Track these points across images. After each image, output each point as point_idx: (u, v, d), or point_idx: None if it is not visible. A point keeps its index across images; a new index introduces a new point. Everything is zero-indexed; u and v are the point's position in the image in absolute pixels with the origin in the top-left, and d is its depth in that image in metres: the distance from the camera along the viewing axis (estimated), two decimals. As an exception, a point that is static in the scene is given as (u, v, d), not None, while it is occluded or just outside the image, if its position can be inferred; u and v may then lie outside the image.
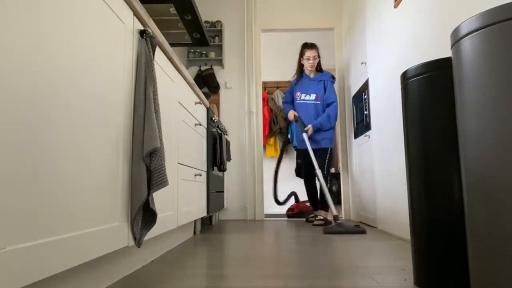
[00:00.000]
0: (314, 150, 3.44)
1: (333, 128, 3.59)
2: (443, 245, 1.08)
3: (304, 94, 3.68)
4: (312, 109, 3.62)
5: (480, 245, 0.83)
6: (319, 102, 3.61)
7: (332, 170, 7.52)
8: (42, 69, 0.78)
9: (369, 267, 1.45)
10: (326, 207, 3.43)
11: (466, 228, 0.90)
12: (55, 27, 0.83)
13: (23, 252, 0.71)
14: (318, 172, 3.29)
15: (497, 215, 0.77)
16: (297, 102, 3.70)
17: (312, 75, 3.71)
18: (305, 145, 3.48)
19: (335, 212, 2.95)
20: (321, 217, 3.34)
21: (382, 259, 1.62)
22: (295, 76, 3.83)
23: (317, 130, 3.51)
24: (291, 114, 3.68)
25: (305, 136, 3.43)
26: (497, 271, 0.77)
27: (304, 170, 3.66)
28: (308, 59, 3.66)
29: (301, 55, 3.71)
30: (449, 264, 1.06)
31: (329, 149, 3.53)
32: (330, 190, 3.29)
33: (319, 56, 3.69)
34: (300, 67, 3.76)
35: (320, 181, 3.29)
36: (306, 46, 3.69)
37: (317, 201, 3.58)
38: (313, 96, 3.65)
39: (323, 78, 3.65)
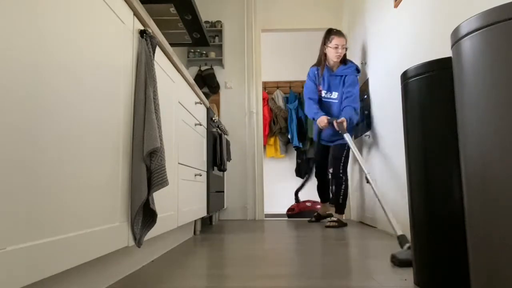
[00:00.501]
0: (334, 145, 3.21)
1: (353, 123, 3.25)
2: (443, 245, 1.08)
3: (325, 92, 3.24)
4: (336, 108, 3.20)
5: (480, 245, 0.83)
6: (337, 101, 3.22)
7: (331, 170, 7.54)
8: (41, 69, 0.78)
9: (369, 266, 1.45)
10: (341, 210, 3.22)
11: (466, 228, 0.90)
12: (54, 27, 0.83)
13: (23, 252, 0.71)
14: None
15: (497, 215, 0.77)
16: (322, 98, 3.27)
17: (334, 69, 3.23)
18: (324, 140, 3.27)
19: (399, 232, 1.87)
20: (335, 219, 3.10)
21: (382, 259, 1.62)
22: (316, 67, 3.30)
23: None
24: (324, 120, 3.06)
25: (347, 137, 2.87)
26: (497, 271, 0.77)
27: (317, 163, 3.42)
28: (336, 47, 3.12)
29: (325, 42, 3.19)
30: (449, 264, 1.06)
31: (346, 146, 3.15)
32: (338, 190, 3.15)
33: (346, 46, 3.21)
34: (323, 57, 3.23)
35: (336, 181, 3.17)
36: (333, 32, 3.17)
37: (327, 194, 3.45)
38: (335, 95, 3.20)
39: (345, 73, 3.16)
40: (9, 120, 0.69)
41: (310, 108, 3.23)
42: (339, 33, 3.17)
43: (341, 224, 3.08)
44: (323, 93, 3.25)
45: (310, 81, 3.31)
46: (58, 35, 0.84)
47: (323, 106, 3.25)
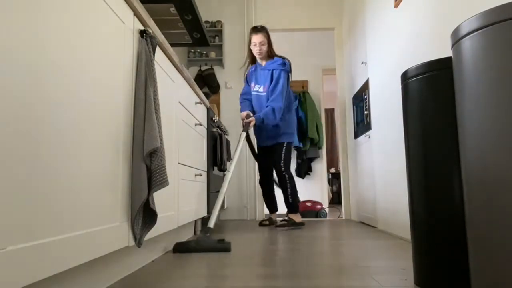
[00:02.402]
0: (270, 147, 3.20)
1: (285, 122, 3.18)
2: (443, 245, 1.08)
3: (258, 85, 3.27)
4: (264, 102, 3.20)
5: (480, 245, 0.83)
6: (264, 94, 3.21)
7: (333, 170, 7.52)
8: (41, 69, 0.78)
9: (369, 266, 1.45)
10: (293, 209, 3.11)
11: (466, 228, 0.90)
12: (54, 27, 0.83)
13: (23, 252, 0.71)
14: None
15: (497, 215, 0.77)
16: (252, 93, 3.33)
17: (263, 63, 3.28)
18: (265, 141, 3.25)
19: (211, 224, 2.19)
20: (286, 218, 3.08)
21: (382, 259, 1.62)
22: (247, 63, 3.43)
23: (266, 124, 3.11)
24: (242, 115, 3.16)
25: (243, 135, 2.95)
26: (497, 271, 0.77)
27: (259, 167, 3.42)
28: (255, 45, 3.21)
29: (249, 40, 3.27)
30: (449, 264, 1.06)
31: (285, 144, 3.16)
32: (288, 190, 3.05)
33: (268, 41, 3.22)
34: (251, 53, 3.34)
35: (281, 181, 3.09)
36: (252, 30, 3.24)
37: (274, 202, 3.39)
38: (262, 88, 3.23)
39: (271, 67, 3.19)
40: (9, 120, 0.69)
41: (241, 106, 3.37)
42: (256, 30, 3.20)
43: (293, 224, 3.00)
44: (253, 87, 3.30)
45: (245, 82, 3.45)
46: (58, 35, 0.84)
47: (255, 100, 3.29)
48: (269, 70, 3.19)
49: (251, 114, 3.11)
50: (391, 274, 1.33)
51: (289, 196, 3.09)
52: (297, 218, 3.09)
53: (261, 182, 3.40)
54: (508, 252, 0.74)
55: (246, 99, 3.37)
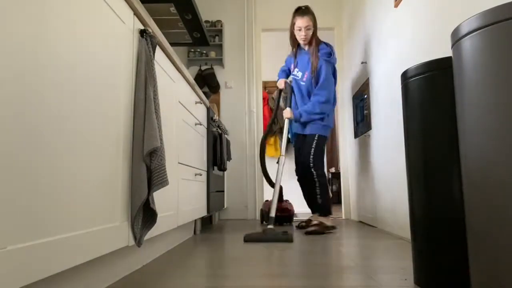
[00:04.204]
0: (304, 136, 2.90)
1: (325, 114, 2.86)
2: (443, 245, 1.08)
3: (297, 70, 2.99)
4: (303, 90, 2.93)
5: (480, 245, 0.83)
6: (303, 83, 2.91)
7: (333, 170, 7.50)
8: (41, 69, 0.78)
9: (369, 266, 1.45)
10: (322, 211, 2.79)
11: (466, 228, 0.90)
12: (54, 27, 0.83)
13: (23, 252, 0.71)
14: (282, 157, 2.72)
15: (497, 215, 0.77)
16: (291, 75, 3.05)
17: (306, 48, 2.96)
18: (298, 127, 2.96)
19: (272, 213, 2.45)
20: (316, 222, 2.68)
21: (382, 259, 1.62)
22: (291, 52, 3.13)
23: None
24: (281, 82, 2.99)
25: (286, 121, 2.83)
26: (497, 271, 0.77)
27: (295, 159, 3.01)
28: (299, 29, 2.88)
29: (292, 23, 2.94)
30: (449, 264, 1.06)
31: (317, 136, 2.82)
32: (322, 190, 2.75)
33: (315, 25, 2.89)
34: (294, 37, 2.99)
35: (308, 177, 2.79)
36: (297, 12, 2.90)
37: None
38: (300, 74, 2.94)
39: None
40: (8, 120, 0.69)
41: (279, 76, 3.14)
42: (301, 12, 2.87)
43: (325, 228, 2.63)
44: (292, 70, 3.05)
45: (284, 67, 3.19)
46: (58, 35, 0.84)
47: (294, 85, 3.02)
48: (312, 55, 2.89)
49: (287, 82, 2.94)
50: (391, 274, 1.33)
51: (318, 196, 2.75)
52: (327, 221, 2.72)
53: (299, 178, 2.97)
54: (508, 252, 0.74)
55: (284, 70, 3.17)
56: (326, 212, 2.78)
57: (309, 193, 2.86)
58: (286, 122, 2.86)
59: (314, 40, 2.91)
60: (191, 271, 1.41)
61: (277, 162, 2.72)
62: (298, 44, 3.01)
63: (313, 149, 2.80)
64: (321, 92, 2.81)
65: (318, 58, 2.84)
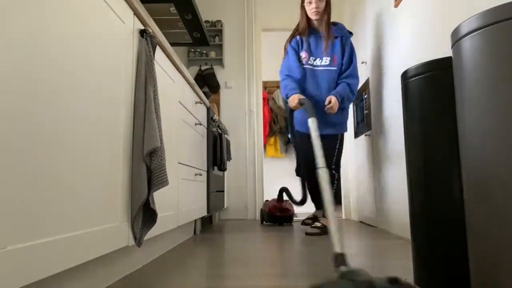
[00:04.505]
0: (323, 137, 2.25)
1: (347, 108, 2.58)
2: (443, 245, 1.08)
3: (313, 58, 2.52)
4: (328, 79, 2.48)
5: (480, 245, 0.83)
6: (334, 68, 2.47)
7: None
8: (41, 69, 0.78)
9: (369, 266, 1.45)
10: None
11: (466, 228, 0.90)
12: (55, 27, 0.83)
13: (23, 252, 0.71)
14: (323, 170, 1.66)
15: (497, 215, 0.77)
16: (305, 67, 2.54)
17: (321, 28, 2.54)
18: (324, 128, 2.33)
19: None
20: (319, 224, 2.48)
21: (382, 259, 1.62)
22: (298, 30, 2.63)
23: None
24: (294, 99, 2.29)
25: (311, 122, 1.84)
26: (497, 271, 0.77)
27: (304, 160, 2.41)
28: (309, 2, 2.51)
29: (302, 2, 2.58)
30: (449, 264, 1.06)
31: (340, 136, 2.58)
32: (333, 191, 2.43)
33: (329, 4, 2.52)
34: (304, 19, 2.58)
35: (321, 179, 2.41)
36: None
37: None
38: (326, 60, 2.49)
39: (339, 34, 2.53)
40: (8, 120, 0.69)
41: (286, 85, 2.49)
42: None
43: (326, 233, 2.41)
44: (309, 60, 2.52)
45: (292, 55, 2.58)
46: (58, 35, 0.84)
47: (309, 78, 2.52)
48: (336, 37, 2.50)
49: (303, 97, 2.20)
50: (390, 274, 1.32)
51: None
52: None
53: (308, 175, 2.35)
54: (509, 252, 0.74)
55: (292, 76, 2.52)
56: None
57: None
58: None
59: (328, 19, 2.52)
60: (191, 271, 1.41)
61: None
62: (308, 29, 2.59)
63: (337, 150, 2.53)
64: (357, 77, 2.47)
65: (344, 37, 2.50)
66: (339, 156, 2.58)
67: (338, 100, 2.37)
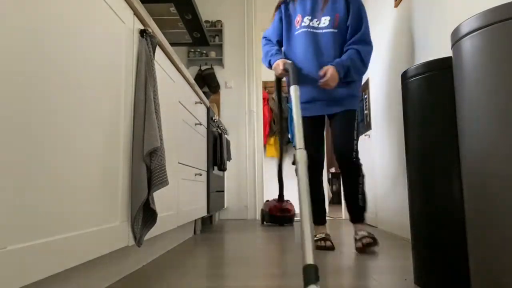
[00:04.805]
0: (331, 117, 1.96)
1: (359, 81, 2.04)
2: (443, 245, 1.08)
3: (309, 17, 1.95)
4: (328, 42, 1.91)
5: (480, 245, 0.83)
6: (336, 31, 1.91)
7: (333, 170, 7.48)
8: (41, 69, 0.78)
9: (369, 266, 1.45)
10: (363, 216, 1.97)
11: (466, 228, 0.90)
12: (54, 27, 0.83)
13: (23, 252, 0.71)
14: (300, 152, 1.33)
15: (497, 215, 0.77)
16: (297, 33, 1.97)
17: None
18: (316, 109, 1.95)
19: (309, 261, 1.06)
20: (366, 234, 1.82)
21: (382, 259, 1.62)
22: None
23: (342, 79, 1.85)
24: (279, 65, 1.86)
25: (293, 90, 1.55)
26: (497, 271, 0.77)
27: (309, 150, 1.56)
28: None
29: None
30: (449, 264, 1.06)
31: (357, 112, 1.96)
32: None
33: None
34: None
35: (350, 172, 1.92)
36: None
37: (323, 211, 2.05)
38: (326, 20, 1.91)
39: None
40: (8, 120, 0.69)
41: (268, 51, 2.02)
42: None
43: (375, 239, 1.80)
44: (304, 21, 1.95)
45: (276, 21, 2.12)
46: (58, 35, 0.84)
47: (300, 41, 1.96)
48: None
49: (288, 62, 1.81)
50: (391, 274, 1.33)
51: (360, 196, 1.92)
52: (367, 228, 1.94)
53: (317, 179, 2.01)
54: (508, 252, 0.74)
55: (272, 41, 2.09)
56: (363, 217, 1.97)
57: (349, 193, 1.96)
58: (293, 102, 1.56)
59: None
60: (191, 271, 1.41)
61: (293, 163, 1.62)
62: None
63: (355, 132, 1.91)
64: (369, 43, 1.95)
65: None
66: (358, 139, 1.93)
67: (338, 72, 1.81)
